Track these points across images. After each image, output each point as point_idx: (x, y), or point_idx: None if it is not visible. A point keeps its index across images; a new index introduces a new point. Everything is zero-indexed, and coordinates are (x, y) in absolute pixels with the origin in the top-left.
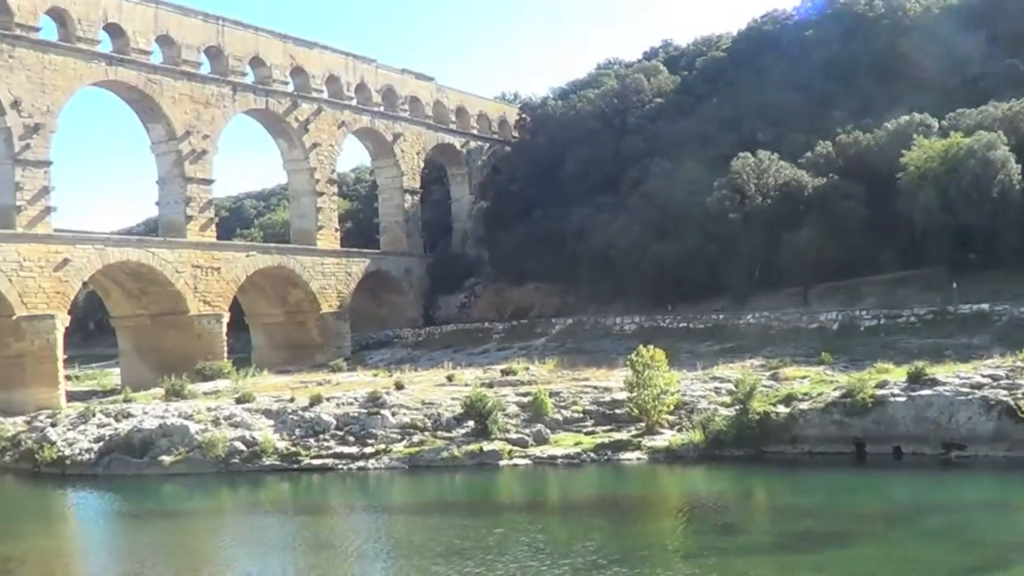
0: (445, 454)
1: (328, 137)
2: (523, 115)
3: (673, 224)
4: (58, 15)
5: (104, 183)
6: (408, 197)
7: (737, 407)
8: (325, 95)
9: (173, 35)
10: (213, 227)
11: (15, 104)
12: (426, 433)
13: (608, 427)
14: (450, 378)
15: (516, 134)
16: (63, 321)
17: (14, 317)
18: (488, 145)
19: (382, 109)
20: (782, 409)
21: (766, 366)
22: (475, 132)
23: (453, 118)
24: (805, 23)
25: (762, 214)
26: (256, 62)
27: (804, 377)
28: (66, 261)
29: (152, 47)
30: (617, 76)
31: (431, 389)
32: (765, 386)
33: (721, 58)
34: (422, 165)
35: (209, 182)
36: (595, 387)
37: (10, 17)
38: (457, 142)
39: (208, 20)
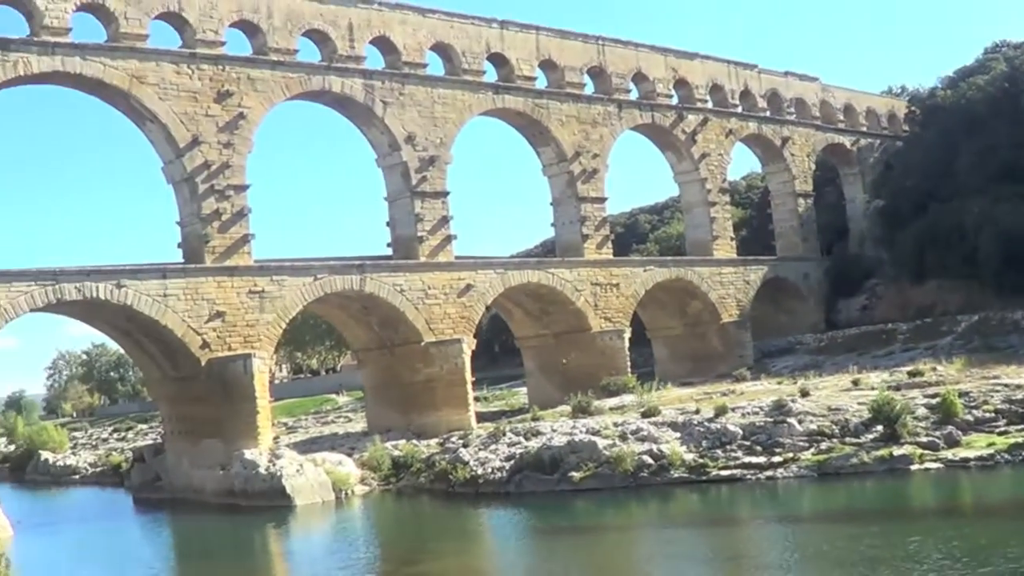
0: (854, 460)
1: (716, 146)
2: (912, 108)
3: None
4: (443, 50)
5: (500, 208)
6: (801, 201)
7: None
8: (710, 104)
9: (555, 59)
10: (609, 244)
11: (409, 139)
12: (834, 440)
13: (1022, 426)
14: (855, 382)
15: (906, 128)
16: (469, 344)
17: (423, 343)
18: (879, 142)
19: (768, 114)
20: None
21: None
22: (864, 129)
23: (841, 117)
24: None
25: None
26: (639, 77)
27: None
28: (469, 287)
29: (536, 72)
30: (1006, 59)
31: (836, 394)
32: None
33: None
34: (813, 167)
35: (602, 200)
36: (1006, 385)
37: (398, 56)
38: (847, 141)
39: (588, 41)
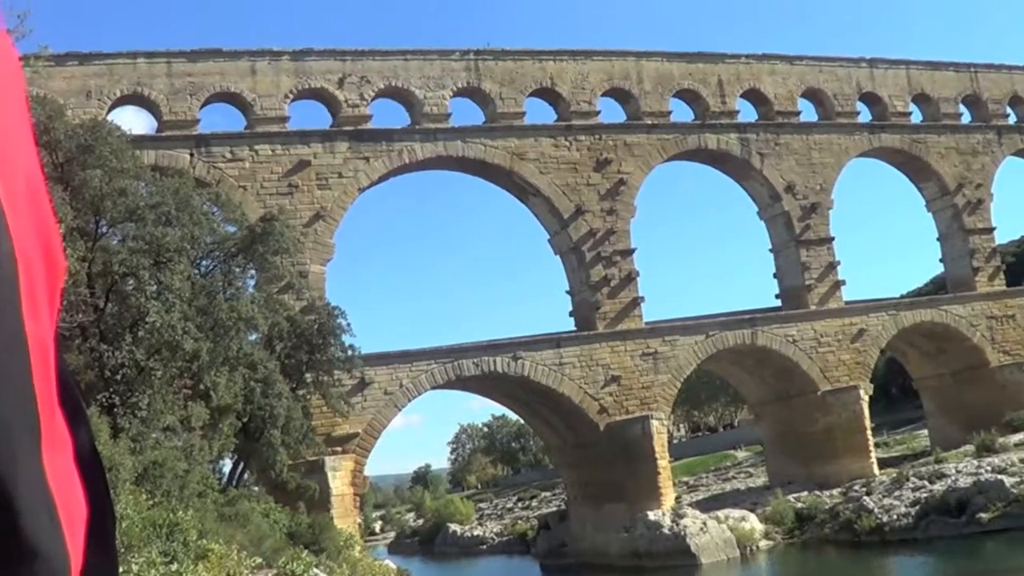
0: None
1: None
2: None
3: None
4: (813, 95)
5: (886, 247)
6: None
7: None
8: None
9: (928, 91)
10: (1001, 275)
11: (789, 188)
12: None
13: None
14: None
15: None
16: (866, 390)
17: (819, 393)
18: None
19: None
20: None
21: None
22: None
23: None
24: None
25: None
26: (1015, 101)
27: None
28: (861, 331)
29: (910, 107)
30: None
31: None
32: None
33: None
34: None
35: (990, 231)
36: None
37: (770, 107)
38: None
39: (960, 69)
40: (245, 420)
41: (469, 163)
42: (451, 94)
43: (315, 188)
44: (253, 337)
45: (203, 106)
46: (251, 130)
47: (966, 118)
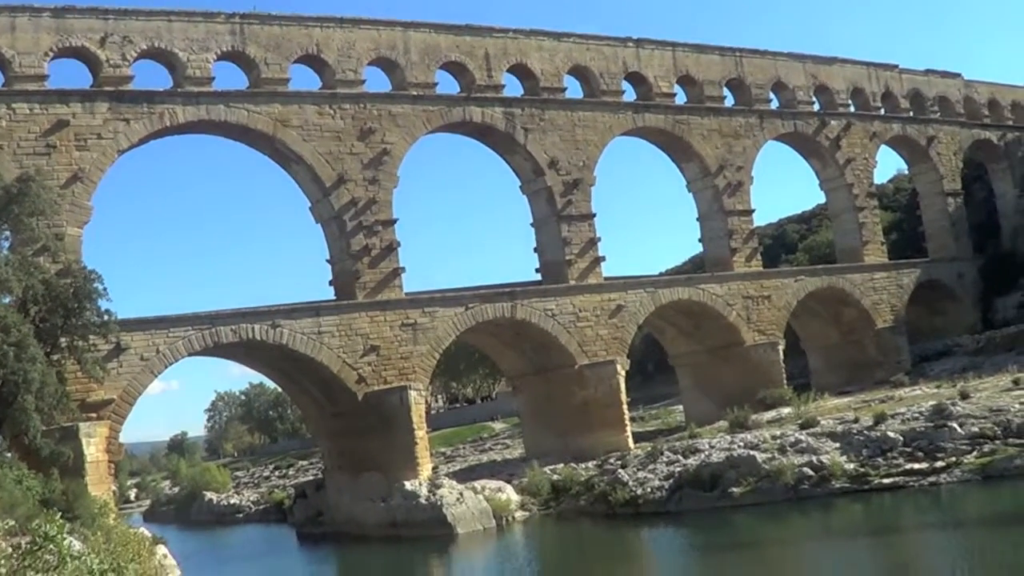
0: (1019, 462)
1: (861, 151)
2: None
3: None
4: (580, 73)
5: (647, 226)
6: (950, 200)
7: None
8: (851, 109)
9: (693, 74)
10: (758, 256)
11: (552, 164)
12: (996, 441)
13: None
14: (1016, 382)
15: None
16: (623, 365)
17: (576, 367)
18: None
19: (911, 114)
20: None
21: None
22: (1011, 123)
23: (986, 112)
24: None
25: None
26: (778, 87)
27: None
28: (620, 307)
29: (675, 89)
30: None
31: (997, 395)
32: None
33: None
34: (960, 165)
35: (749, 212)
36: None
37: (536, 82)
38: (994, 136)
39: (725, 54)
40: None
41: (232, 128)
42: (215, 57)
43: (73, 149)
44: (7, 300)
45: None
46: (9, 88)
47: (730, 101)
